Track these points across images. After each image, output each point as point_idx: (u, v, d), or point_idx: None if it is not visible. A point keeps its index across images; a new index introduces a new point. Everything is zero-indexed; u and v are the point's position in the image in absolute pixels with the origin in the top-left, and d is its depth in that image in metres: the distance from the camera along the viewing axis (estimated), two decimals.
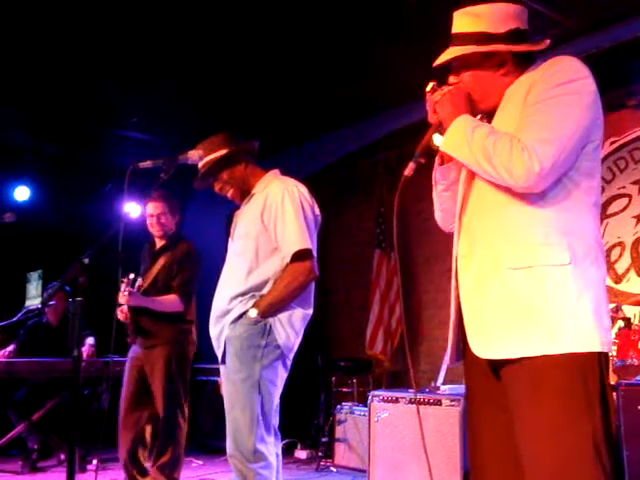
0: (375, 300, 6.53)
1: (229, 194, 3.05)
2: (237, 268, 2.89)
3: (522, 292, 1.79)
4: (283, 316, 2.80)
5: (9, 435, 5.45)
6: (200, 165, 2.98)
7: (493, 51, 1.93)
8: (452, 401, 4.42)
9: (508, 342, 1.80)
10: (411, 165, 2.00)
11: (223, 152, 2.98)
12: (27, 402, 5.57)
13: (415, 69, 5.31)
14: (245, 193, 3.04)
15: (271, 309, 2.78)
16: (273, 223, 2.84)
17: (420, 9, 4.31)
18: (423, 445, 3.85)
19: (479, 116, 2.05)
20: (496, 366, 1.87)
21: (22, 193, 6.96)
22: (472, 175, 1.97)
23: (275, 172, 3.08)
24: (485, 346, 1.85)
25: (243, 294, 2.82)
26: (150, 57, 5.12)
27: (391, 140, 6.44)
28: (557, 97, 1.79)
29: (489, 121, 2.00)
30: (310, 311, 2.94)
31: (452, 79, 2.03)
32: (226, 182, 3.02)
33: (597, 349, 1.75)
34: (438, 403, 4.50)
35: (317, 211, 2.99)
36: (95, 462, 5.37)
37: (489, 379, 1.91)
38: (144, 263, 4.24)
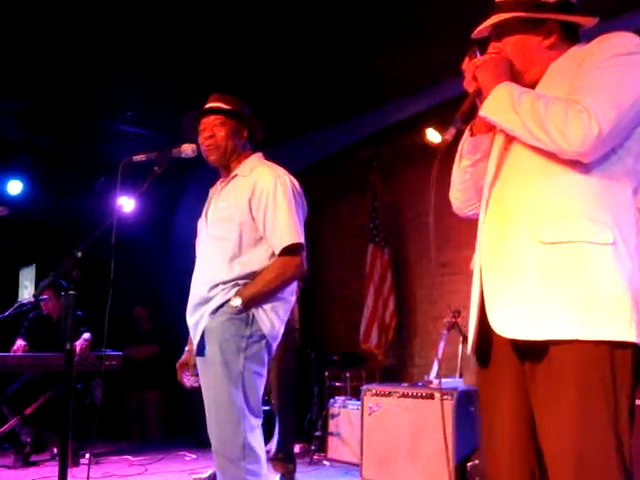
0: (369, 294, 6.53)
1: (209, 145, 2.86)
2: (217, 254, 2.76)
3: (557, 270, 1.66)
4: (266, 305, 2.70)
5: (2, 429, 5.45)
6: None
7: (542, 18, 1.83)
8: (445, 395, 4.43)
9: (536, 322, 1.66)
10: (451, 130, 1.85)
11: (239, 110, 2.89)
12: (20, 396, 5.57)
13: (408, 64, 5.35)
14: (223, 160, 2.88)
15: (255, 300, 2.67)
16: (262, 213, 2.73)
17: (416, 5, 4.31)
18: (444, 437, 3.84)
19: None
20: (520, 348, 1.75)
21: (15, 187, 6.93)
22: (507, 146, 1.86)
23: (259, 155, 2.95)
24: (509, 324, 1.70)
25: (225, 282, 2.70)
26: (144, 50, 5.10)
27: (385, 134, 6.44)
28: (616, 66, 1.68)
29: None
30: (293, 298, 2.85)
31: (493, 47, 1.92)
32: (217, 138, 2.85)
33: (632, 339, 1.62)
34: (431, 397, 4.51)
35: (305, 202, 2.90)
36: (88, 456, 5.37)
37: (510, 361, 1.79)
38: None
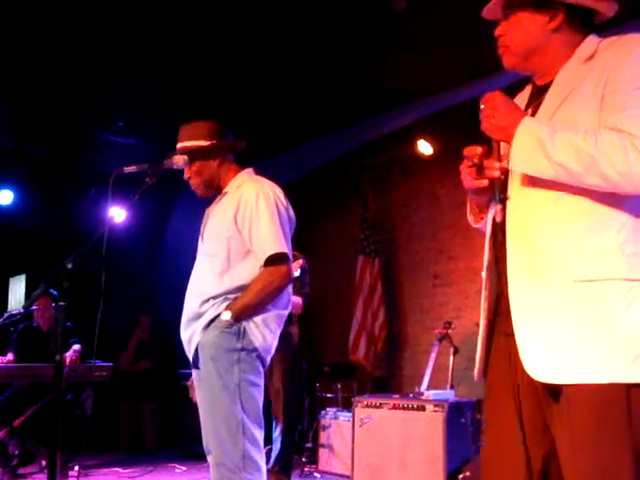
0: (358, 305, 6.54)
1: (193, 185, 2.96)
2: (208, 269, 2.80)
3: (590, 311, 1.57)
4: (257, 318, 2.72)
5: None
6: (177, 146, 2.88)
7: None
8: (436, 406, 4.43)
9: (573, 366, 1.57)
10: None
11: (201, 143, 2.89)
12: (8, 407, 5.52)
13: (400, 76, 5.38)
14: (211, 189, 2.95)
15: (245, 312, 2.70)
16: (247, 226, 2.77)
17: (409, 16, 4.34)
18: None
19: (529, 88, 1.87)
20: (548, 385, 1.65)
21: (5, 197, 6.90)
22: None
23: (249, 171, 2.99)
24: (545, 369, 1.60)
25: (215, 297, 2.74)
26: (136, 61, 5.11)
27: (376, 146, 6.46)
28: None
29: (540, 96, 1.78)
30: (286, 312, 2.86)
31: (499, 30, 1.81)
32: (194, 172, 2.92)
33: None
34: (422, 409, 4.51)
35: (292, 214, 2.92)
36: (77, 468, 5.33)
37: (526, 385, 1.70)
38: None
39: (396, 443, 4.60)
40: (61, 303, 2.37)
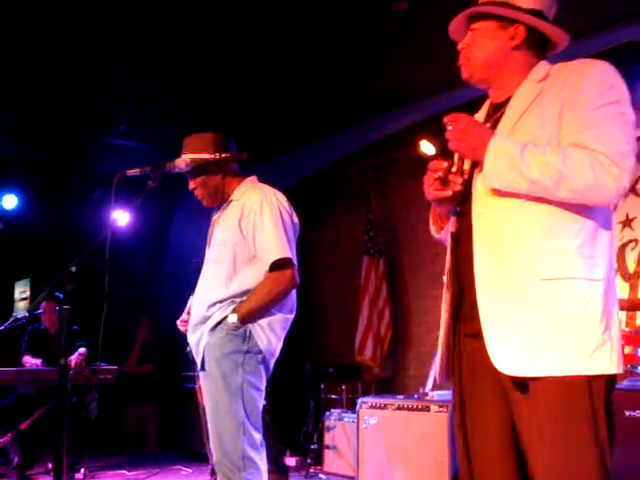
0: (364, 306, 6.54)
1: (198, 196, 3.01)
2: (215, 275, 2.86)
3: (556, 306, 1.70)
4: (263, 321, 2.78)
5: None
6: (188, 161, 2.90)
7: (510, 17, 1.86)
8: (440, 407, 4.43)
9: (540, 360, 1.69)
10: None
11: (205, 157, 2.92)
12: (13, 410, 5.54)
13: (402, 76, 5.38)
14: (216, 199, 3.00)
15: (251, 315, 2.75)
16: (252, 232, 2.82)
17: (409, 17, 4.34)
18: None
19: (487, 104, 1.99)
20: (515, 380, 1.76)
21: (10, 201, 6.93)
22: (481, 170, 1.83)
23: (253, 179, 3.03)
24: (513, 362, 1.72)
25: (222, 301, 2.79)
26: (138, 64, 5.12)
27: (379, 146, 6.47)
28: (615, 107, 1.72)
29: (497, 112, 1.91)
30: (291, 316, 2.91)
31: (462, 45, 1.95)
32: (199, 184, 2.97)
33: (618, 371, 1.71)
34: (426, 409, 4.51)
35: (296, 219, 2.96)
36: (83, 471, 5.34)
37: (494, 384, 1.82)
38: None
39: (401, 444, 4.59)
40: (65, 306, 2.38)
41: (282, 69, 5.23)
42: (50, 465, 5.58)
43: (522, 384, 1.73)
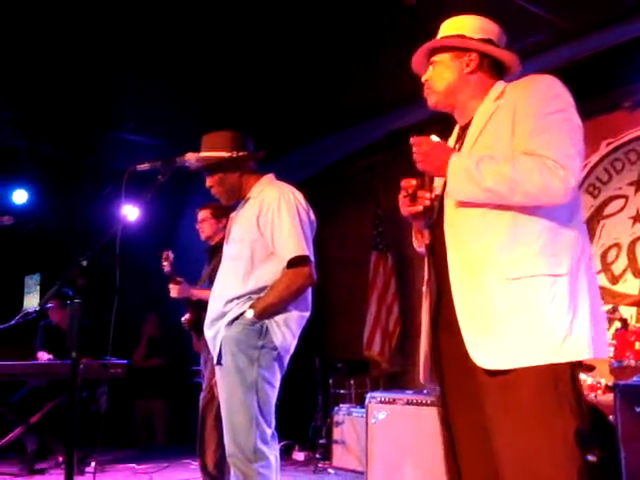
0: (372, 301, 6.53)
1: (215, 194, 3.04)
2: (232, 272, 2.89)
3: (521, 302, 1.85)
4: (279, 318, 2.80)
5: (7, 437, 5.44)
6: (199, 155, 2.90)
7: (463, 47, 2.08)
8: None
9: (513, 352, 1.84)
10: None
11: (222, 155, 2.95)
12: (25, 404, 5.57)
13: (411, 71, 5.36)
14: (233, 197, 3.04)
15: (268, 311, 2.78)
16: (270, 229, 2.84)
17: (417, 12, 4.33)
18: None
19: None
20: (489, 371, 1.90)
21: (20, 196, 6.97)
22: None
23: (270, 176, 3.07)
24: (489, 357, 1.87)
25: (239, 297, 2.82)
26: (148, 60, 5.13)
27: (387, 142, 6.45)
28: (560, 115, 1.89)
29: (464, 133, 2.10)
30: (307, 314, 2.93)
31: (425, 77, 2.18)
32: (216, 182, 3.01)
33: (589, 356, 1.85)
34: (434, 404, 4.50)
35: (312, 217, 2.98)
36: (93, 464, 5.37)
37: (472, 381, 1.95)
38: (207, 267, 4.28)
39: (410, 439, 4.60)
40: (76, 300, 2.39)
41: (289, 65, 5.22)
42: (61, 458, 5.62)
43: (498, 376, 1.86)
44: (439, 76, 2.12)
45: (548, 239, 1.88)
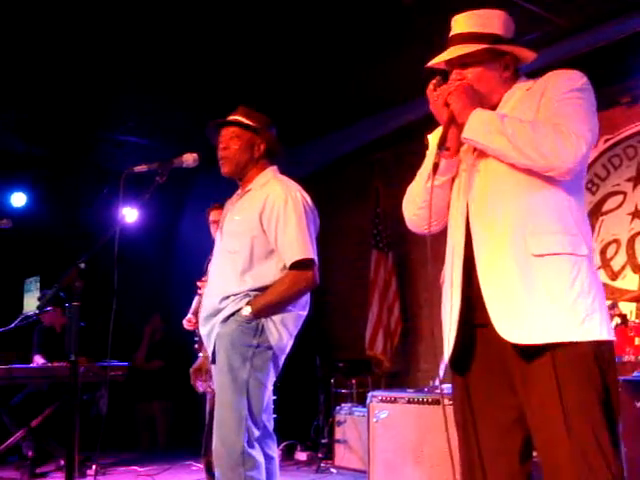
0: (374, 300, 6.52)
1: (222, 156, 2.93)
2: (229, 266, 2.81)
3: (549, 280, 1.86)
4: (276, 317, 2.74)
5: (8, 442, 5.43)
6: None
7: (506, 51, 2.05)
8: (451, 400, 4.41)
9: (536, 329, 1.85)
10: (438, 153, 2.01)
11: (251, 124, 2.92)
12: (24, 407, 5.56)
13: (410, 70, 5.35)
14: (236, 172, 2.94)
15: (265, 310, 2.72)
16: (274, 227, 2.77)
17: (418, 11, 4.32)
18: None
19: None
20: (517, 349, 1.91)
21: (19, 199, 6.96)
22: (475, 165, 2.03)
23: (274, 169, 2.98)
24: (516, 330, 1.87)
25: (236, 294, 2.75)
26: (145, 61, 5.12)
27: (387, 140, 6.45)
28: (579, 99, 1.95)
29: None
30: (304, 313, 2.88)
31: (455, 75, 2.08)
32: (230, 146, 2.91)
33: (609, 337, 1.88)
34: (437, 403, 4.50)
35: (317, 218, 2.94)
36: (94, 467, 5.36)
37: (499, 364, 1.97)
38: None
39: (412, 437, 4.59)
40: (75, 303, 2.39)
41: (288, 65, 5.22)
42: (62, 462, 5.61)
43: (524, 352, 1.89)
44: (475, 83, 2.05)
45: (572, 218, 1.93)
